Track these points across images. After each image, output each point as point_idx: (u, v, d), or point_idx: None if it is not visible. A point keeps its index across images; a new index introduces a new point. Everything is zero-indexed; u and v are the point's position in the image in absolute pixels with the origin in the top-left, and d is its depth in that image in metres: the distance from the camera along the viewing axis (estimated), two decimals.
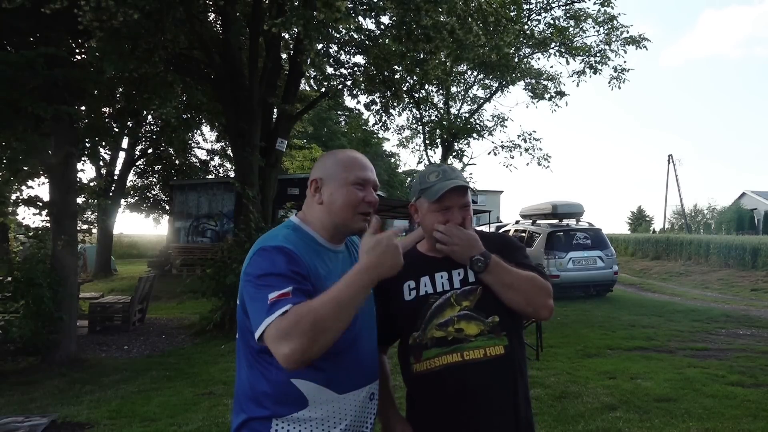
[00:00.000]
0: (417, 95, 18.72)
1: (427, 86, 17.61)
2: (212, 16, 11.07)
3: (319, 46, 10.49)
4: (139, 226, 75.22)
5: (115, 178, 19.43)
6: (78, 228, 7.32)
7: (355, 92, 11.94)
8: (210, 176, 21.02)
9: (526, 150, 20.81)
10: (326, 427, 1.46)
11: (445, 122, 20.40)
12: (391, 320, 1.71)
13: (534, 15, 16.60)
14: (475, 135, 21.02)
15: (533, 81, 19.28)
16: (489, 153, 21.95)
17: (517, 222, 15.65)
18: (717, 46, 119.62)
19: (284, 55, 11.61)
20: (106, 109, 9.59)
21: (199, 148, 22.07)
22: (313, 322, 1.26)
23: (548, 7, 16.62)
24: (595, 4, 16.33)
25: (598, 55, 17.12)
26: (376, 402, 1.61)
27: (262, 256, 1.42)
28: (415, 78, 12.86)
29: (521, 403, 1.68)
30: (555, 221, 13.84)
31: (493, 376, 1.62)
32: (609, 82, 17.19)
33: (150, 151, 20.44)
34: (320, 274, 1.46)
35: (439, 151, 21.65)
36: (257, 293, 1.36)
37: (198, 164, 21.62)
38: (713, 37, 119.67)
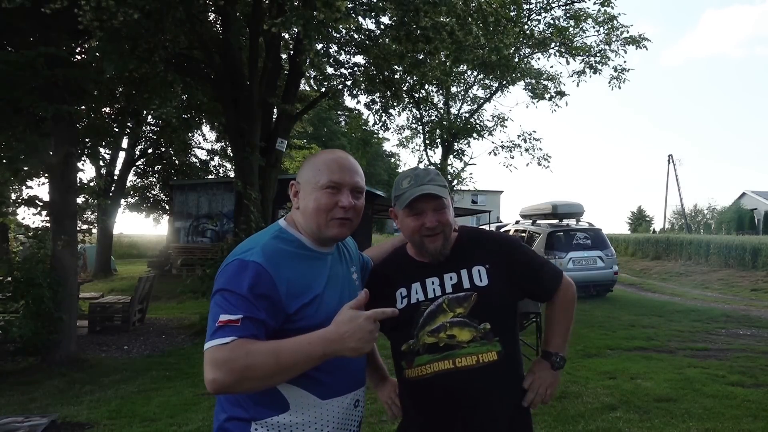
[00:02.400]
0: (417, 95, 18.72)
1: (427, 86, 17.61)
2: (212, 16, 11.07)
3: (319, 46, 10.49)
4: (139, 226, 75.30)
5: (115, 178, 19.43)
6: (78, 228, 7.32)
7: (355, 92, 11.94)
8: (210, 176, 21.01)
9: (526, 150, 20.85)
10: (308, 430, 1.42)
11: (445, 122, 20.42)
12: (382, 323, 1.70)
13: (534, 15, 16.60)
14: (475, 135, 21.03)
15: (533, 81, 19.28)
16: (489, 153, 21.99)
17: (517, 222, 15.65)
18: (718, 45, 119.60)
19: (284, 55, 11.61)
20: (106, 109, 9.60)
21: (199, 148, 22.08)
22: (245, 368, 1.25)
23: (548, 7, 16.62)
24: (595, 4, 16.35)
25: (598, 55, 17.14)
26: (361, 409, 1.57)
27: (232, 269, 1.38)
28: (414, 78, 12.85)
29: (516, 408, 1.67)
30: (555, 221, 13.84)
31: (486, 382, 1.60)
32: (609, 82, 17.23)
33: (150, 151, 20.45)
34: (300, 281, 1.42)
35: (439, 151, 21.69)
36: (213, 307, 1.34)
37: (198, 164, 21.62)
38: (715, 36, 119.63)
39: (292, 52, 11.13)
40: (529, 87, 19.54)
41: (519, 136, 20.99)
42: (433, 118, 21.10)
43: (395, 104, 14.48)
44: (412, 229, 1.67)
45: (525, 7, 15.88)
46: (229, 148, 15.65)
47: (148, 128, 18.63)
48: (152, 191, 22.19)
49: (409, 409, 1.74)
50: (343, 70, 11.73)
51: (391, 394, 1.82)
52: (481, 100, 21.25)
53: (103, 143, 9.97)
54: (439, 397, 1.61)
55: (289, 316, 1.38)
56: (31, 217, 7.27)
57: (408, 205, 1.64)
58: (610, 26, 16.63)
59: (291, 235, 1.49)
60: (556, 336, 1.77)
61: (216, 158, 21.79)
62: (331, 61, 11.61)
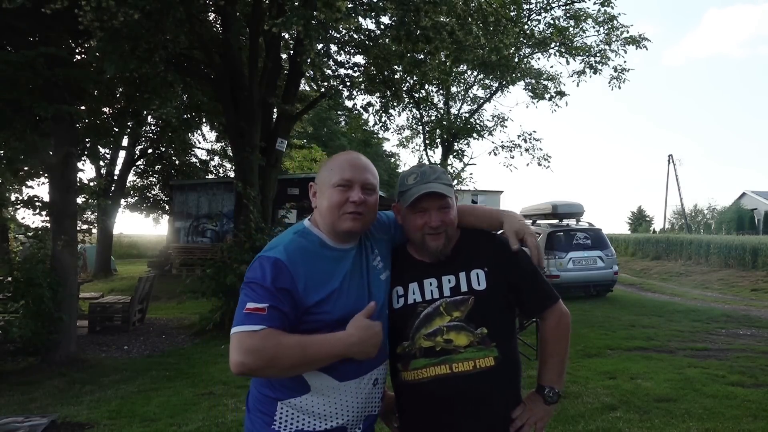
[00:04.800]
0: (417, 95, 18.72)
1: (427, 86, 17.61)
2: (212, 16, 11.07)
3: (319, 46, 10.50)
4: (139, 226, 75.42)
5: (115, 178, 19.43)
6: (78, 228, 7.32)
7: (352, 94, 11.93)
8: (210, 176, 21.01)
9: (527, 150, 20.86)
10: (328, 413, 1.50)
11: (445, 122, 20.43)
12: None
13: (534, 15, 16.61)
14: (475, 135, 21.05)
15: (533, 81, 19.29)
16: (489, 153, 22.03)
17: None
18: (720, 45, 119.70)
19: (284, 55, 11.61)
20: (106, 109, 9.60)
21: (199, 148, 22.08)
22: (273, 357, 1.38)
23: (548, 7, 16.63)
24: (595, 4, 16.37)
25: (598, 55, 17.14)
26: (381, 386, 1.63)
27: (257, 264, 1.50)
28: (414, 78, 12.85)
29: (511, 415, 1.66)
30: (555, 221, 13.84)
31: (483, 388, 1.59)
32: (609, 82, 17.24)
33: (150, 151, 20.45)
34: (317, 278, 1.50)
35: (439, 151, 21.70)
36: (241, 297, 1.46)
37: (198, 164, 21.62)
38: (716, 36, 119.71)
39: (292, 52, 11.13)
40: (529, 87, 19.55)
41: (519, 136, 21.02)
42: (433, 118, 21.11)
43: (395, 104, 14.48)
44: (416, 227, 1.65)
45: (525, 7, 15.90)
46: (229, 148, 15.65)
47: (148, 128, 18.64)
48: (152, 191, 22.19)
49: (404, 411, 1.72)
50: (342, 71, 11.74)
51: (390, 407, 1.79)
52: (481, 100, 21.27)
53: (103, 143, 9.96)
54: (435, 402, 1.59)
55: (307, 308, 1.47)
56: (31, 217, 7.28)
57: (412, 202, 1.62)
58: (610, 26, 16.65)
59: (314, 235, 1.58)
60: (549, 369, 1.72)
61: (216, 158, 21.82)
62: (330, 61, 11.61)
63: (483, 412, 1.60)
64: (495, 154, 21.25)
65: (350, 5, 8.57)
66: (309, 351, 1.40)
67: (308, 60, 9.20)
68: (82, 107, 7.84)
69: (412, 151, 41.16)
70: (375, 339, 1.46)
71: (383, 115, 16.03)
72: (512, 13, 13.23)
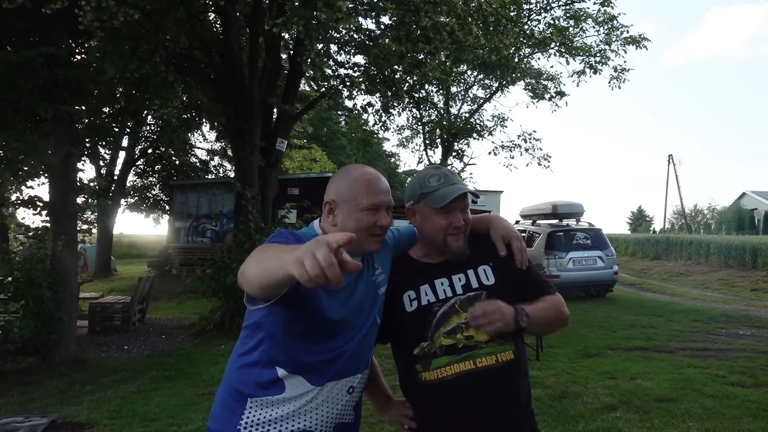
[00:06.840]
0: (417, 95, 18.71)
1: (427, 86, 17.60)
2: (212, 16, 11.07)
3: (320, 46, 10.49)
4: (139, 226, 75.44)
5: (115, 178, 19.43)
6: (78, 228, 7.32)
7: (352, 94, 11.92)
8: (210, 176, 21.01)
9: (526, 150, 20.83)
10: (300, 416, 1.48)
11: (445, 122, 20.42)
12: (386, 328, 1.68)
13: (534, 15, 16.61)
14: (475, 135, 21.04)
15: (533, 81, 19.28)
16: (489, 153, 22.00)
17: (517, 222, 15.64)
18: (722, 44, 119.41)
19: (284, 55, 11.61)
20: (106, 109, 9.60)
21: (199, 148, 22.10)
22: (245, 264, 1.30)
23: (548, 7, 16.63)
24: (595, 4, 16.37)
25: (598, 55, 17.14)
26: (356, 395, 1.60)
27: (279, 233, 1.50)
28: (414, 78, 12.85)
29: (528, 407, 1.70)
30: (555, 221, 13.84)
31: (505, 381, 1.61)
32: (609, 82, 17.24)
33: (150, 151, 20.45)
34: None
35: (439, 151, 21.68)
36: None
37: (198, 164, 21.62)
38: (719, 35, 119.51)
39: (292, 52, 11.12)
40: (529, 87, 19.53)
41: (519, 136, 20.99)
42: (433, 118, 21.10)
43: (395, 104, 14.47)
44: (439, 228, 1.66)
45: (525, 7, 15.88)
46: (229, 148, 15.64)
47: (148, 128, 18.63)
48: (152, 191, 22.19)
49: (423, 414, 1.71)
50: (342, 71, 11.73)
51: (401, 411, 1.77)
52: (481, 100, 21.26)
53: (103, 143, 9.96)
54: (460, 398, 1.60)
55: (310, 297, 1.41)
56: (31, 217, 7.28)
57: (449, 203, 1.63)
58: (610, 26, 16.65)
59: None
60: (536, 307, 1.62)
61: (216, 158, 21.81)
62: (330, 62, 11.60)
63: (507, 405, 1.62)
64: (495, 154, 21.24)
65: (350, 5, 8.56)
66: (270, 262, 1.19)
67: (308, 60, 9.19)
68: (82, 107, 7.83)
69: (412, 151, 41.27)
70: (314, 246, 1.03)
71: (383, 115, 16.03)
72: (512, 13, 13.22)
